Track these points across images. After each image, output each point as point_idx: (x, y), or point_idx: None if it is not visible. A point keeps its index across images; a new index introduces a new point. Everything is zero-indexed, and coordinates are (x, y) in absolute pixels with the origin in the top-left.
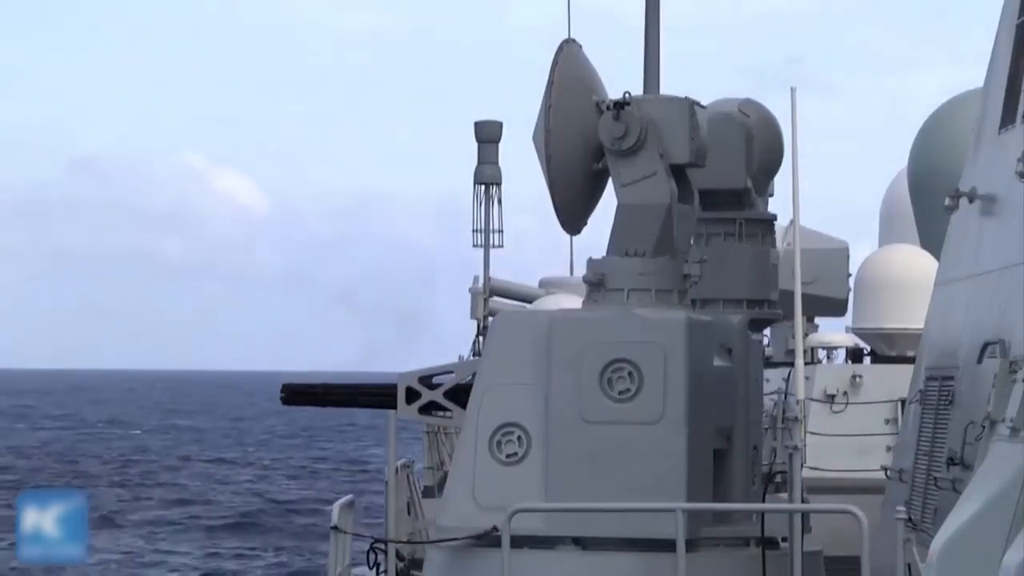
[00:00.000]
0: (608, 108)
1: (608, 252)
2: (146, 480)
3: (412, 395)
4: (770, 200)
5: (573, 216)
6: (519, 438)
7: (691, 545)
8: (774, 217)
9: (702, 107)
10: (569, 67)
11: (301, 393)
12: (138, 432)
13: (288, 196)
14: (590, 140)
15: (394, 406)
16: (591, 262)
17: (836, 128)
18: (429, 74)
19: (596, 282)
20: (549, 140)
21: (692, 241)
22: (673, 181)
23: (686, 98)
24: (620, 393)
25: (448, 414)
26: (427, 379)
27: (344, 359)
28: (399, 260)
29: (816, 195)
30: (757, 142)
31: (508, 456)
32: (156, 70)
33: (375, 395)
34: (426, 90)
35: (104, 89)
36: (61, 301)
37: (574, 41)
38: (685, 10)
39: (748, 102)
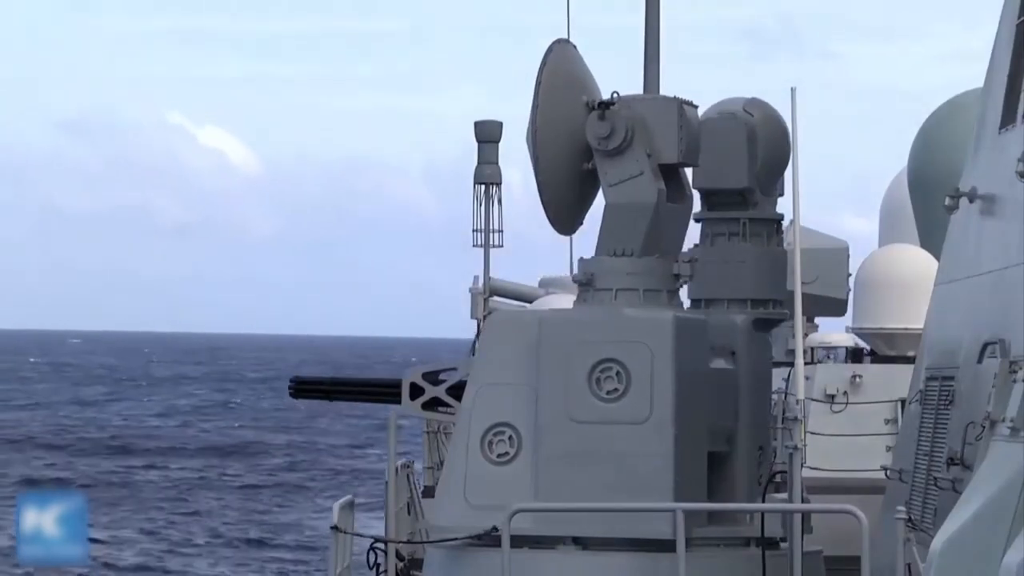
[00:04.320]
0: (594, 108)
1: (597, 252)
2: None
3: (416, 391)
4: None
5: (563, 216)
6: (510, 438)
7: (684, 545)
8: (780, 216)
9: (693, 106)
10: (557, 67)
11: (309, 387)
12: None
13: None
14: (579, 140)
15: (398, 401)
16: (581, 262)
17: (839, 107)
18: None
19: (585, 282)
20: (536, 140)
21: (698, 241)
22: (661, 181)
23: (674, 97)
24: (608, 393)
25: (451, 410)
26: (431, 375)
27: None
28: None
29: (816, 195)
30: (762, 141)
31: (499, 456)
32: (143, 30)
33: (380, 390)
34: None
35: (91, 48)
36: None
37: (566, 41)
38: None
39: (753, 101)
